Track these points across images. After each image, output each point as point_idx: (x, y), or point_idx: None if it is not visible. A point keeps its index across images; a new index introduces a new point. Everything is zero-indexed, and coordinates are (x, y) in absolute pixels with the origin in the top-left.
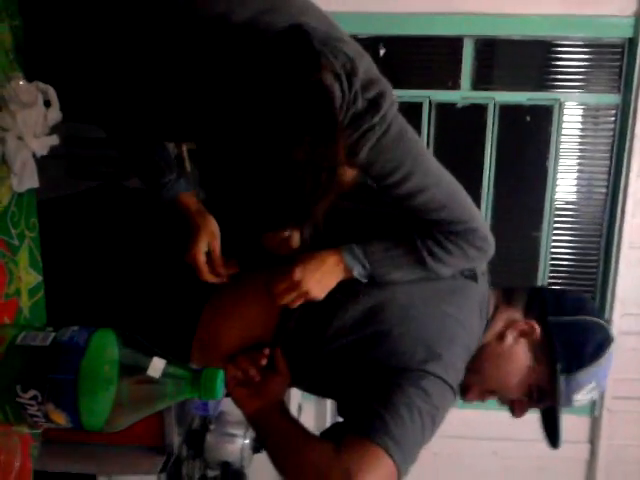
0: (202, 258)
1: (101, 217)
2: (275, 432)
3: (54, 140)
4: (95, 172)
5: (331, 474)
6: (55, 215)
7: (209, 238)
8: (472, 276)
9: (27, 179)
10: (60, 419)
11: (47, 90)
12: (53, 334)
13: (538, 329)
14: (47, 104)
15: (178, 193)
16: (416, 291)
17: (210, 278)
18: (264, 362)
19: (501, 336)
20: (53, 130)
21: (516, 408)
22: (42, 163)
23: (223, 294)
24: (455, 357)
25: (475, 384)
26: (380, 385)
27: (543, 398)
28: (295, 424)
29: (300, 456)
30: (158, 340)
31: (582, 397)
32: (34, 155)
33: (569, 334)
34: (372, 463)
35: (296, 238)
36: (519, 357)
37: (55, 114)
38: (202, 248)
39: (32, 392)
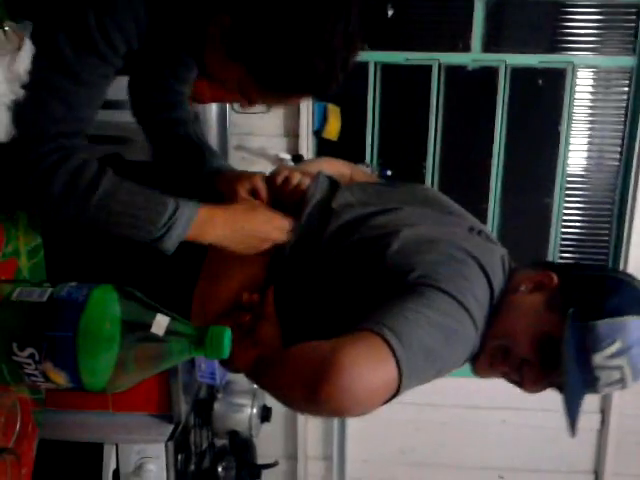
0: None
1: None
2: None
3: None
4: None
5: (315, 355)
6: None
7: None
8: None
9: None
10: (59, 379)
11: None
12: (50, 290)
13: (555, 279)
14: None
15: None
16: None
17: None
18: (256, 298)
19: (515, 289)
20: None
21: (525, 376)
22: None
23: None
24: (475, 286)
25: (485, 341)
26: (383, 296)
27: (556, 357)
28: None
29: (290, 358)
30: (158, 296)
31: (604, 362)
32: None
33: (591, 286)
34: (364, 347)
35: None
36: (530, 305)
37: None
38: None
39: (29, 350)
